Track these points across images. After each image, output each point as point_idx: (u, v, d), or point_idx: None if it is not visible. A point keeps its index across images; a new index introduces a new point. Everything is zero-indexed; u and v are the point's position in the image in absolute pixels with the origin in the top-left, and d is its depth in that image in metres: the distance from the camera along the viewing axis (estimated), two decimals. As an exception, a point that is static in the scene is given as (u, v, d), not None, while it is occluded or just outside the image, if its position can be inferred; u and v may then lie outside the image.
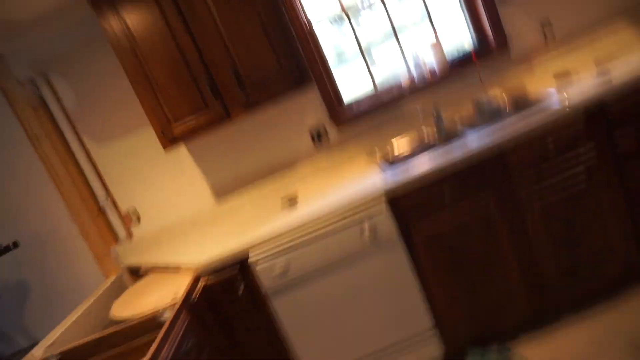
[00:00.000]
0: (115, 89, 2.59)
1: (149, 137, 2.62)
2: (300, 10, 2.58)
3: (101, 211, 2.71)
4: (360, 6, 2.68)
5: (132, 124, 2.64)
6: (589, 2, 2.60)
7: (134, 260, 2.65)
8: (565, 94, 2.06)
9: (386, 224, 2.00)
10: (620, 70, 2.07)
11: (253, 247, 2.03)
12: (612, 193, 2.06)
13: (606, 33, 2.59)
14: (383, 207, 1.99)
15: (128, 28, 2.19)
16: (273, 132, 2.66)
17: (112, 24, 2.18)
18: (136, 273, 2.62)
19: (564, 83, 2.28)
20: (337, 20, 2.68)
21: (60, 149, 2.62)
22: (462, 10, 2.71)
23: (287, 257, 2.01)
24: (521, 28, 2.61)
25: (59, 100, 2.62)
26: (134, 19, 2.18)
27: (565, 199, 2.05)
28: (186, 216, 2.73)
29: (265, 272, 2.02)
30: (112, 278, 2.61)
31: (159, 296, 2.00)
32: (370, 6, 2.71)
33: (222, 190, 2.73)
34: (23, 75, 2.55)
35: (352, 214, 2.00)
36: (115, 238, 2.75)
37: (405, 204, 2.02)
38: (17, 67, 2.54)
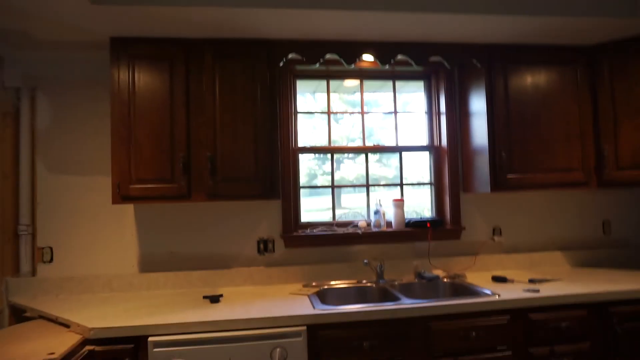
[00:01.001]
0: (90, 130, 2.62)
1: (102, 185, 2.59)
2: (293, 136, 2.80)
3: (16, 236, 2.52)
4: (344, 154, 2.95)
5: (89, 168, 2.61)
6: (537, 230, 3.00)
7: (23, 300, 2.40)
8: (499, 292, 2.25)
9: (300, 350, 1.94)
10: (549, 289, 2.30)
11: (157, 327, 1.90)
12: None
13: (544, 258, 2.95)
14: (301, 334, 1.96)
15: (133, 83, 2.30)
16: (224, 226, 2.68)
17: (121, 74, 2.29)
18: (20, 315, 2.35)
19: (499, 284, 2.50)
20: (320, 155, 2.92)
21: (8, 160, 2.52)
22: (431, 187, 3.02)
23: (189, 351, 1.88)
24: (476, 224, 2.92)
25: (33, 116, 2.60)
26: (143, 78, 2.31)
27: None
28: (102, 275, 2.56)
29: (161, 359, 1.88)
30: (-11, 312, 2.32)
31: (31, 348, 1.78)
32: (353, 158, 2.99)
33: (150, 263, 2.62)
34: (11, 82, 2.56)
35: (269, 329, 1.95)
36: (15, 270, 2.52)
37: (324, 338, 2.00)
38: (10, 72, 2.56)
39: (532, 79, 2.61)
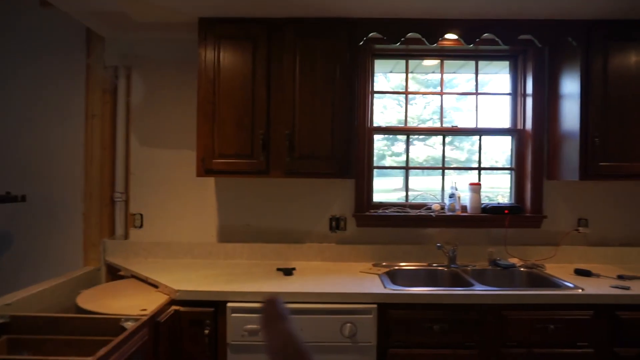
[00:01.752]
0: (177, 107, 2.78)
1: (187, 159, 2.75)
2: (368, 116, 2.78)
3: (112, 202, 2.77)
4: (415, 135, 2.90)
5: (177, 141, 2.78)
6: (630, 223, 2.77)
7: (118, 260, 2.65)
8: (582, 286, 2.13)
9: (369, 328, 1.98)
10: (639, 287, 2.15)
11: (235, 294, 2.03)
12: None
13: (636, 254, 2.72)
14: (372, 311, 1.99)
15: (219, 62, 2.40)
16: (298, 202, 2.76)
17: (208, 53, 2.40)
18: (115, 273, 2.60)
19: (582, 278, 2.37)
20: (390, 136, 2.88)
21: (106, 133, 2.76)
22: (511, 172, 2.88)
23: (262, 321, 1.99)
24: (559, 213, 2.75)
25: (128, 94, 2.81)
26: (228, 57, 2.40)
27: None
28: (184, 242, 2.75)
29: (238, 323, 1.99)
30: (90, 268, 2.59)
31: (127, 304, 1.98)
32: (423, 139, 2.92)
33: (227, 234, 2.77)
34: (110, 61, 2.78)
35: (341, 305, 2.00)
36: (111, 233, 2.77)
37: (394, 317, 2.02)
38: (110, 52, 2.77)
39: (637, 58, 2.38)
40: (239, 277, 2.28)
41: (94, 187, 2.72)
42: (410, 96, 2.97)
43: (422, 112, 3.09)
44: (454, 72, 3.05)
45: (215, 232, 2.78)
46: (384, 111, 2.96)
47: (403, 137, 2.90)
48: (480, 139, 2.88)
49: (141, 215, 2.79)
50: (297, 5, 2.27)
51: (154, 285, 2.23)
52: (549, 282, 2.32)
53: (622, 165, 2.36)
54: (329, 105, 2.37)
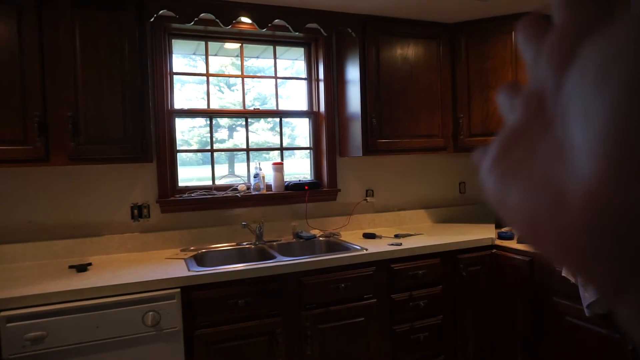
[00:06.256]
0: None
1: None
2: (168, 98, 2.66)
3: None
4: (237, 120, 2.92)
5: None
6: (405, 191, 3.26)
7: None
8: (367, 247, 2.46)
9: (174, 313, 1.94)
10: (410, 242, 2.58)
11: (8, 300, 1.75)
12: (381, 338, 2.38)
13: (411, 216, 3.26)
14: (175, 296, 1.95)
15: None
16: (92, 191, 2.50)
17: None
18: None
19: (368, 240, 2.73)
20: (217, 123, 2.85)
21: None
22: (310, 151, 3.12)
23: (50, 322, 1.77)
24: (350, 186, 3.09)
25: None
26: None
27: (343, 329, 2.28)
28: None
29: (15, 334, 1.72)
30: None
31: None
32: (247, 124, 2.97)
33: (4, 234, 2.35)
34: None
35: (140, 294, 1.91)
36: None
37: (199, 298, 2.01)
38: None
39: (401, 51, 2.80)
40: (16, 282, 1.98)
41: None
42: (232, 81, 2.99)
43: (246, 97, 3.10)
44: (257, 57, 3.14)
45: (-14, 233, 2.34)
46: (205, 95, 2.86)
47: (225, 123, 2.94)
48: (280, 121, 3.05)
49: None
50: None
51: None
52: (342, 247, 2.62)
53: (393, 141, 2.78)
54: (118, 84, 2.20)
